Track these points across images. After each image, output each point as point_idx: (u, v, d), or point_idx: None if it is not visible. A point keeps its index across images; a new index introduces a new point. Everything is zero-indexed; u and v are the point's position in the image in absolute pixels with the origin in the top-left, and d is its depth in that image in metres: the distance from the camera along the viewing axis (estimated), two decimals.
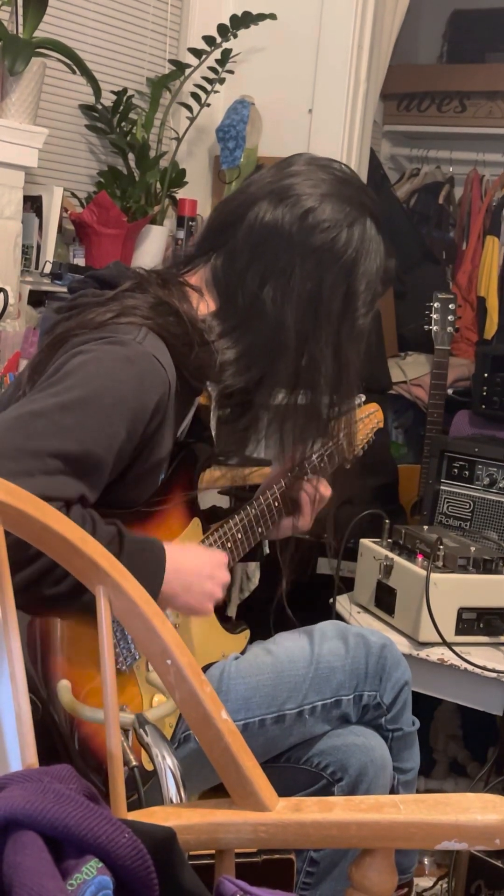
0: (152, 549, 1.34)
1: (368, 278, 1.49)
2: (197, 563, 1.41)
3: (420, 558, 2.12)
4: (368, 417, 1.93)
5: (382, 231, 1.52)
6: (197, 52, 2.92)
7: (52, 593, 1.20)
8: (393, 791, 1.66)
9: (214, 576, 1.43)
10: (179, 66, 2.94)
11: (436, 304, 2.92)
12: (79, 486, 1.25)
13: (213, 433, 1.58)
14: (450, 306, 2.92)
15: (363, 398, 1.80)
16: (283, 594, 1.62)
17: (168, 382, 1.36)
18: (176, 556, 1.37)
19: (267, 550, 1.93)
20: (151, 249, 2.90)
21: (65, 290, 2.48)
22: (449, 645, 2.01)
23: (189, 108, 2.98)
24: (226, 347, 1.45)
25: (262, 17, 2.92)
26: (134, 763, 1.12)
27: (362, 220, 1.48)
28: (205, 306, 1.47)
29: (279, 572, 1.66)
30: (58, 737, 1.28)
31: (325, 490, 1.70)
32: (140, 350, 1.34)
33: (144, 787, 1.15)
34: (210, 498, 2.52)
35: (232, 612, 1.78)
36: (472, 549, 2.14)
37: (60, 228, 2.64)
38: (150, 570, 1.31)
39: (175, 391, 1.39)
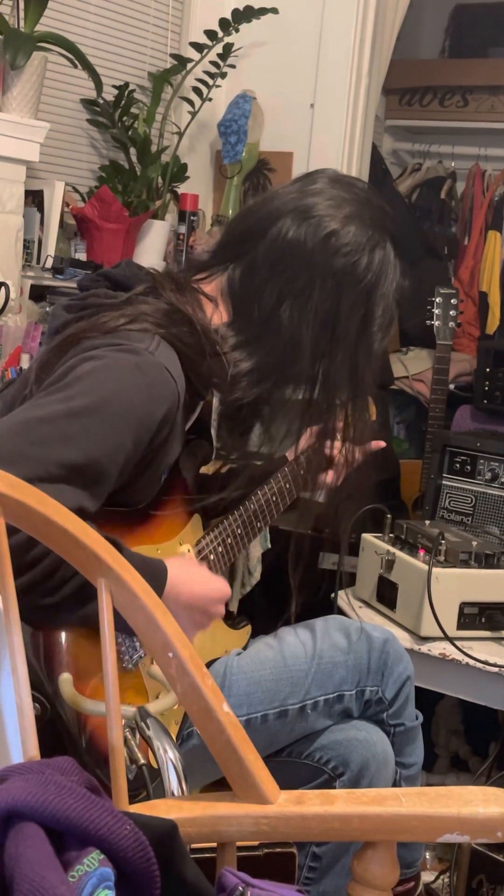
0: (152, 572, 1.32)
1: (386, 302, 1.50)
2: (198, 592, 1.39)
3: (422, 553, 2.12)
4: None
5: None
6: (198, 47, 2.91)
7: (45, 603, 1.19)
8: (396, 786, 1.66)
9: (209, 611, 1.42)
10: (181, 61, 2.93)
11: (438, 300, 2.92)
12: (78, 495, 1.23)
13: (214, 431, 1.58)
14: (452, 301, 2.92)
15: None
16: (293, 615, 1.62)
17: (177, 394, 1.35)
18: (177, 581, 1.34)
19: (269, 545, 1.93)
20: (153, 244, 2.90)
21: (66, 284, 2.48)
22: (451, 639, 2.01)
23: (191, 102, 2.98)
24: (238, 360, 1.44)
25: (263, 11, 2.92)
26: (142, 761, 1.12)
27: (383, 244, 1.48)
28: (218, 317, 1.47)
29: (283, 567, 1.66)
30: (64, 731, 1.28)
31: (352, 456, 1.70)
32: (151, 360, 1.33)
33: (152, 784, 1.15)
34: None
35: (233, 606, 1.78)
36: (474, 543, 2.14)
37: (62, 223, 2.64)
38: None
39: (183, 402, 1.38)
